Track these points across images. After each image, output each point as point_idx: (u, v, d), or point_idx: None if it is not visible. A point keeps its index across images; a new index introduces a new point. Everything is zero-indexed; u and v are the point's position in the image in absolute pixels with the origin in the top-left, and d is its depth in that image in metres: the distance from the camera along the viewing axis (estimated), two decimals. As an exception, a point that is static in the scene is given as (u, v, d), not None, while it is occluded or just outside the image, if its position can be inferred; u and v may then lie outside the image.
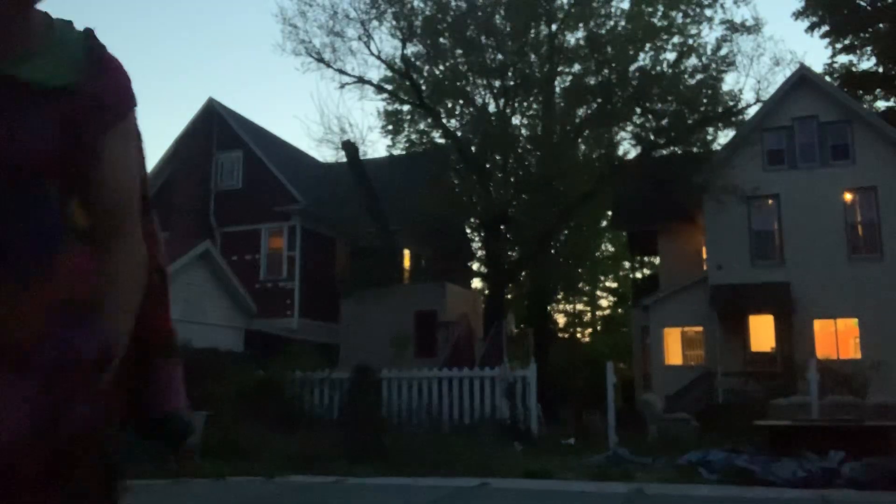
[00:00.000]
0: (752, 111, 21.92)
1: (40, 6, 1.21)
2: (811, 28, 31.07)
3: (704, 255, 22.89)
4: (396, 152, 26.25)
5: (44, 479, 1.11)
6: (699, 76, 21.88)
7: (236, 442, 10.22)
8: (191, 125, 24.58)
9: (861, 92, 29.60)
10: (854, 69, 31.32)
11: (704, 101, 21.56)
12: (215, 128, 24.43)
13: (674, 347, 22.53)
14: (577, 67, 23.08)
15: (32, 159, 1.14)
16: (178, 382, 1.42)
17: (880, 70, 31.11)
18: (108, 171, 1.21)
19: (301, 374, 13.76)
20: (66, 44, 1.22)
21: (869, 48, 31.03)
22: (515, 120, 23.71)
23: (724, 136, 23.08)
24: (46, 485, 1.11)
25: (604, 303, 43.30)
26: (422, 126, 25.36)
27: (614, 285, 41.86)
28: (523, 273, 25.71)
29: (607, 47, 21.64)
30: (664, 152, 23.20)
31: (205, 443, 10.41)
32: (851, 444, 8.65)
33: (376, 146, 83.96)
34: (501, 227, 22.64)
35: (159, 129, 72.33)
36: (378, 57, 22.01)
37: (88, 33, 1.26)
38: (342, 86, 22.44)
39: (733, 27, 21.43)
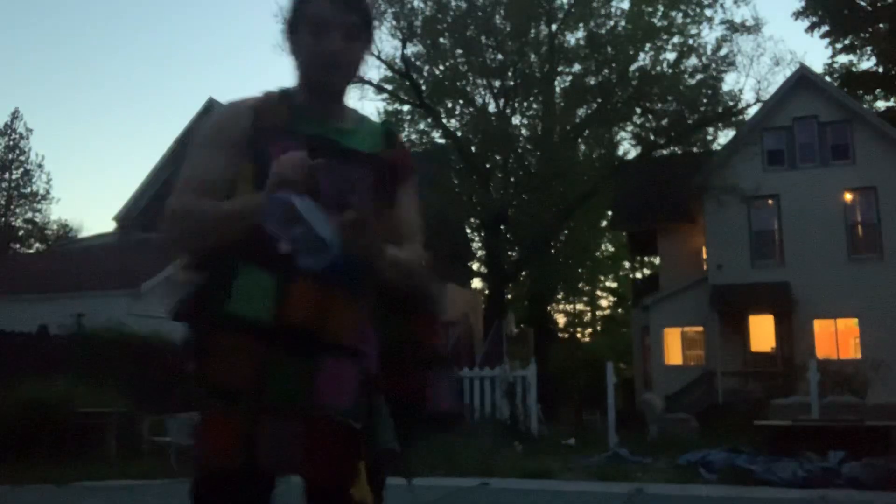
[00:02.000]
0: (752, 111, 21.96)
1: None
2: (811, 28, 31.06)
3: (704, 255, 22.89)
4: (396, 152, 26.21)
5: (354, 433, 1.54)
6: (699, 76, 21.89)
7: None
8: (191, 125, 24.56)
9: (861, 92, 29.59)
10: (854, 69, 31.31)
11: (704, 101, 21.56)
12: (215, 128, 24.44)
13: (674, 347, 22.54)
14: (577, 67, 23.08)
15: (350, 200, 1.56)
16: (446, 386, 1.69)
17: (880, 70, 31.10)
18: (399, 213, 1.72)
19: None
20: (371, 127, 1.75)
21: (869, 48, 31.02)
22: (515, 120, 23.72)
23: (724, 136, 23.11)
24: (354, 435, 1.53)
25: (604, 303, 43.33)
26: (422, 126, 25.36)
27: (614, 285, 41.87)
28: (523, 273, 25.71)
29: (607, 47, 21.65)
30: (664, 152, 23.20)
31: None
32: (851, 444, 8.64)
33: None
34: (501, 227, 22.64)
35: (159, 130, 72.33)
36: (378, 57, 22.02)
37: (387, 123, 1.86)
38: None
39: (733, 27, 21.44)
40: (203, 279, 1.55)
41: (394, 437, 1.62)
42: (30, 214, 38.40)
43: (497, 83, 22.55)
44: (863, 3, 30.27)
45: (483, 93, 23.08)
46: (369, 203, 1.61)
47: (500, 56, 21.94)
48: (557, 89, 23.46)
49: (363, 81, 22.41)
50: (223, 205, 1.52)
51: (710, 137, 23.08)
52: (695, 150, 22.90)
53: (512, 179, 22.95)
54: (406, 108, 25.18)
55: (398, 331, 1.65)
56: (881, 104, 30.82)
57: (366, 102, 79.62)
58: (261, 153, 1.56)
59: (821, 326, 20.17)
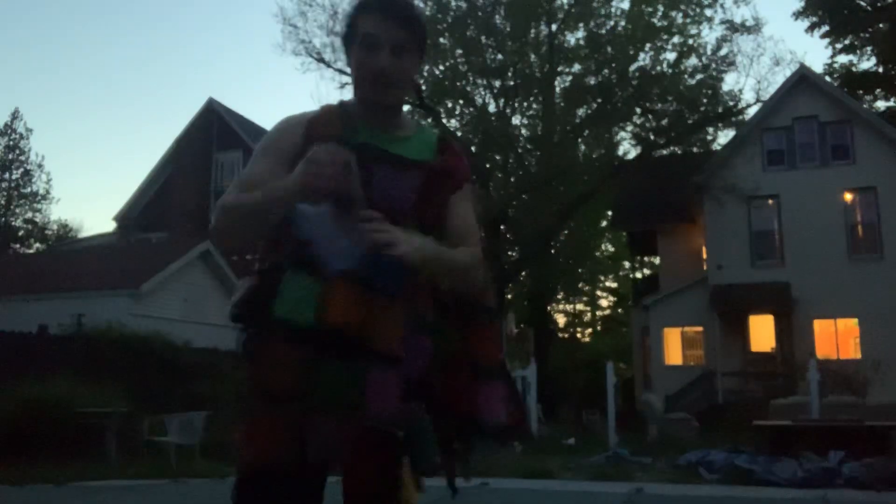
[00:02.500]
0: (752, 111, 21.95)
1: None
2: (811, 28, 31.06)
3: (704, 255, 22.89)
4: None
5: (395, 441, 1.59)
6: (699, 76, 21.87)
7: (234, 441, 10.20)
8: (191, 125, 24.60)
9: (861, 92, 29.58)
10: (854, 69, 31.30)
11: (704, 101, 21.55)
12: (215, 127, 24.44)
13: (674, 347, 22.54)
14: (577, 67, 23.06)
15: (398, 207, 1.60)
16: (500, 396, 1.68)
17: (880, 70, 31.09)
18: (453, 220, 1.71)
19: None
20: (426, 135, 1.77)
21: (869, 48, 31.02)
22: (515, 120, 23.70)
23: (724, 136, 23.09)
24: (395, 443, 1.59)
25: (604, 303, 43.33)
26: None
27: (614, 285, 41.87)
28: (523, 273, 25.70)
29: (607, 47, 21.63)
30: (664, 152, 23.18)
31: (205, 443, 10.42)
32: (851, 444, 8.65)
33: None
34: (501, 227, 22.64)
35: (159, 129, 72.30)
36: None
37: (442, 131, 1.93)
38: (342, 86, 22.41)
39: (733, 27, 21.42)
40: (253, 283, 1.60)
41: (435, 449, 1.63)
42: (30, 214, 38.40)
43: (497, 83, 22.54)
44: (863, 3, 30.26)
45: (483, 93, 23.08)
46: (413, 208, 1.64)
47: (500, 56, 21.93)
48: (557, 89, 23.44)
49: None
50: (255, 195, 1.57)
51: (710, 137, 23.07)
52: (695, 150, 22.89)
53: (512, 179, 22.93)
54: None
55: (455, 342, 1.65)
56: (881, 104, 30.83)
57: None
58: None
59: (821, 326, 20.17)
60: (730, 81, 45.14)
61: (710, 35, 39.15)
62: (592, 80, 22.00)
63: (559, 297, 37.54)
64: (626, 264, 37.24)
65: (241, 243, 1.66)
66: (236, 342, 1.62)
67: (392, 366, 1.53)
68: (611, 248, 37.72)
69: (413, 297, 1.58)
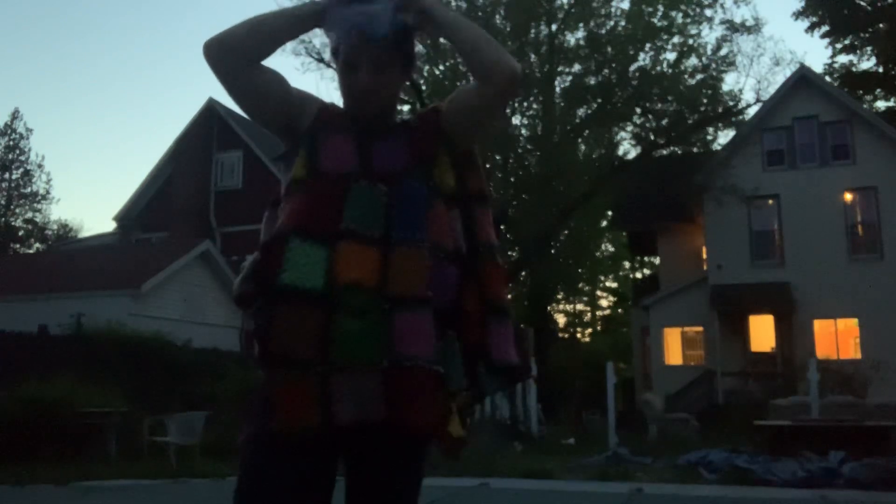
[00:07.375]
0: (752, 111, 21.96)
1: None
2: (811, 28, 31.08)
3: (704, 255, 22.89)
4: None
5: (433, 393, 1.59)
6: (699, 76, 21.88)
7: (236, 442, 10.20)
8: (191, 125, 24.56)
9: (861, 92, 29.59)
10: (854, 69, 31.32)
11: (704, 101, 21.55)
12: (215, 128, 24.41)
13: (674, 347, 22.54)
14: (577, 67, 23.06)
15: (397, 166, 1.69)
16: (510, 338, 1.74)
17: (880, 70, 31.11)
18: (458, 99, 1.79)
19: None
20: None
21: (869, 48, 31.04)
22: (515, 120, 23.70)
23: (724, 136, 23.11)
24: (437, 378, 1.60)
25: (604, 303, 43.35)
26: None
27: (614, 285, 41.88)
28: (523, 273, 25.70)
29: (607, 47, 21.64)
30: (664, 152, 23.18)
31: (205, 443, 10.42)
32: (851, 444, 8.65)
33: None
34: (501, 227, 22.64)
35: (159, 129, 72.32)
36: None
37: (419, 110, 1.92)
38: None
39: (733, 27, 21.43)
40: (257, 258, 1.63)
41: (462, 372, 1.67)
42: (30, 214, 38.43)
43: (497, 83, 22.52)
44: (863, 3, 30.27)
45: (483, 93, 23.06)
46: (410, 159, 1.72)
47: (499, 56, 21.92)
48: (557, 89, 23.44)
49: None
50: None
51: (710, 137, 23.08)
52: (695, 150, 22.90)
53: (512, 179, 22.93)
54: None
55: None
56: (881, 104, 30.85)
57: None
58: (313, 146, 1.70)
59: (821, 326, 20.16)
60: (730, 81, 45.28)
61: (710, 35, 39.19)
62: (592, 80, 21.99)
63: (559, 297, 37.55)
64: (626, 264, 37.29)
65: (240, 47, 1.73)
66: (239, 335, 1.64)
67: (421, 307, 1.58)
68: (611, 248, 37.73)
69: (433, 229, 1.64)
